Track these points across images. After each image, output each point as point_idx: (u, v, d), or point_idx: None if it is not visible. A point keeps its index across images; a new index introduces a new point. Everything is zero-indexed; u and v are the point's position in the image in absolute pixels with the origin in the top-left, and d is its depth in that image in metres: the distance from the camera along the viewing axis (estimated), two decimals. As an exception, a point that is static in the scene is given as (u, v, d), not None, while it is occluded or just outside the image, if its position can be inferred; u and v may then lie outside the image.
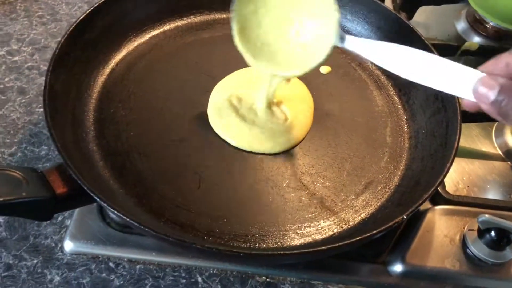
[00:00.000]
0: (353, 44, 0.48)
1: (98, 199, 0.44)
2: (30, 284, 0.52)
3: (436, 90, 0.60)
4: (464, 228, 0.56)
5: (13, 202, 0.41)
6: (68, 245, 0.54)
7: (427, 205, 0.59)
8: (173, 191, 0.53)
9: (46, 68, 0.71)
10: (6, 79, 0.71)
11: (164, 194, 0.52)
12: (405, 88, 0.66)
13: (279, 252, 0.44)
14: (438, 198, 0.60)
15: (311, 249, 0.44)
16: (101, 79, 0.62)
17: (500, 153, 0.68)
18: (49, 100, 0.51)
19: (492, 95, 0.37)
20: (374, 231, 0.45)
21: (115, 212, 0.43)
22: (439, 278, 0.54)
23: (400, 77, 0.66)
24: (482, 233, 0.54)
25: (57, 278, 0.52)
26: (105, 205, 0.43)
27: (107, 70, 0.63)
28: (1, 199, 0.40)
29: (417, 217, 0.58)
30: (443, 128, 0.57)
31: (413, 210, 0.47)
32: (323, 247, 0.44)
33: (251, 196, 0.54)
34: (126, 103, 0.60)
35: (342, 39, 0.49)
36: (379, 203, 0.55)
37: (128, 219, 0.43)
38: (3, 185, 0.42)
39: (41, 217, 0.46)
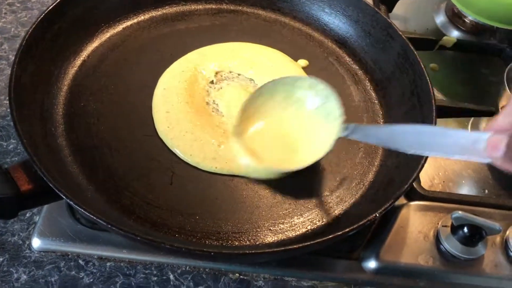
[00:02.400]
0: (357, 134, 0.50)
1: (65, 197, 0.42)
2: (-5, 283, 0.50)
3: (412, 86, 0.61)
4: (438, 224, 0.57)
5: (-26, 200, 0.40)
6: (36, 242, 0.53)
7: (402, 200, 0.59)
8: (145, 188, 0.52)
9: (15, 58, 0.70)
10: (-26, 69, 0.68)
11: (135, 191, 0.51)
12: (382, 83, 0.65)
13: (250, 251, 0.44)
14: (413, 194, 0.60)
15: (283, 248, 0.43)
16: (72, 71, 0.60)
17: (475, 148, 0.69)
18: (15, 93, 0.50)
19: (500, 153, 0.38)
20: (347, 229, 0.44)
21: (82, 210, 0.42)
22: (412, 274, 0.54)
23: (376, 72, 0.67)
24: (455, 229, 0.54)
25: (24, 277, 0.51)
26: (72, 203, 0.42)
27: (78, 61, 0.61)
28: (-40, 197, 0.39)
29: (392, 213, 0.57)
30: (419, 123, 0.57)
31: (386, 207, 0.47)
32: (295, 246, 0.43)
33: (224, 192, 0.53)
34: (98, 96, 0.58)
35: (345, 130, 0.50)
36: (353, 199, 0.54)
37: (95, 218, 0.41)
38: (-37, 183, 0.40)
39: (5, 215, 0.44)
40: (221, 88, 0.61)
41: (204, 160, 0.54)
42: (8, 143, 0.61)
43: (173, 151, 0.54)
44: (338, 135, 0.51)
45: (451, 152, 0.43)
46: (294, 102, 0.55)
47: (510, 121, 0.39)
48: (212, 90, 0.61)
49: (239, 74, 0.63)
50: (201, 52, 0.64)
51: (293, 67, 0.64)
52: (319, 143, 0.52)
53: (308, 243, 0.43)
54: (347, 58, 0.68)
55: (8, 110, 0.63)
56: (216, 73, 0.62)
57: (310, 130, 0.54)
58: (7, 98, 0.65)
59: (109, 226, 0.41)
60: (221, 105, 0.59)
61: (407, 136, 0.46)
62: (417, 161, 0.51)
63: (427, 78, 0.58)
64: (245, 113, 0.55)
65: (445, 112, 0.64)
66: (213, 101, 0.59)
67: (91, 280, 0.51)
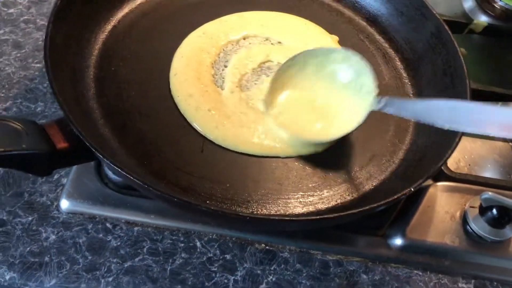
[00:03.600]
0: (391, 107, 0.49)
1: (100, 156, 0.42)
2: (25, 241, 0.50)
3: (445, 66, 0.60)
4: (465, 205, 0.56)
5: (13, 154, 0.40)
6: (65, 204, 0.53)
7: (428, 181, 0.59)
8: (175, 154, 0.51)
9: (42, 22, 0.70)
10: (1, 31, 0.68)
11: (166, 156, 0.51)
12: (413, 63, 0.65)
13: (284, 218, 0.43)
14: (439, 175, 0.59)
15: (315, 217, 0.43)
16: (102, 36, 0.60)
17: (502, 133, 0.68)
18: (50, 52, 0.49)
19: None
20: (382, 202, 0.44)
21: (118, 169, 0.42)
22: (438, 253, 0.54)
23: (407, 51, 0.66)
24: (483, 210, 0.54)
25: (53, 237, 0.51)
26: (107, 162, 0.42)
27: (109, 27, 0.61)
28: (2, 149, 0.39)
29: (419, 193, 0.57)
30: (451, 103, 0.56)
31: (420, 183, 0.46)
32: (329, 215, 0.43)
33: (254, 162, 0.52)
34: (128, 62, 0.58)
35: (379, 103, 0.50)
36: (383, 176, 0.54)
37: (131, 177, 0.41)
38: (3, 136, 0.40)
39: (40, 172, 0.44)
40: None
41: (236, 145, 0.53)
42: (36, 105, 0.61)
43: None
44: (371, 107, 0.50)
45: (489, 128, 0.42)
46: (327, 74, 0.55)
47: None
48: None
49: (266, 39, 0.62)
50: (229, 20, 0.63)
51: (325, 38, 0.64)
52: (351, 116, 0.52)
53: (341, 213, 0.43)
54: (378, 36, 0.68)
55: (36, 73, 0.64)
56: (244, 38, 0.62)
57: (342, 102, 0.54)
58: (35, 61, 0.66)
59: (146, 186, 0.41)
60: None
61: (443, 111, 0.45)
62: (450, 140, 0.51)
63: (461, 58, 0.57)
64: (275, 84, 0.54)
65: (475, 96, 0.63)
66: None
67: (119, 243, 0.51)
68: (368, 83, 0.52)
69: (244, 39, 0.62)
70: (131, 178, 0.41)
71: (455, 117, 0.44)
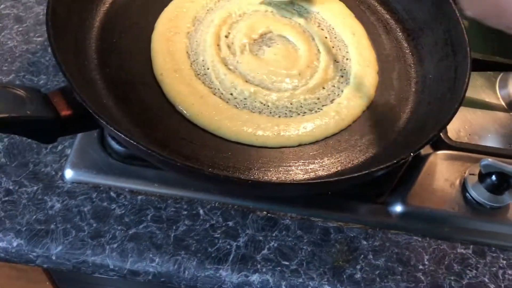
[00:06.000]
0: None
1: (103, 122, 0.43)
2: (30, 210, 0.51)
3: (446, 36, 0.60)
4: (464, 173, 0.57)
5: (18, 119, 0.40)
6: (69, 173, 0.54)
7: (428, 150, 0.60)
8: (178, 123, 0.52)
9: (43, -3, 0.70)
10: (2, 6, 0.68)
11: (169, 125, 0.52)
12: (414, 33, 0.65)
13: (284, 182, 0.44)
14: (440, 144, 0.60)
15: (316, 180, 0.44)
16: (103, 7, 0.60)
17: (503, 103, 0.69)
18: (52, 23, 0.49)
19: None
20: (380, 166, 0.45)
21: (121, 135, 0.42)
22: (437, 219, 0.55)
23: (408, 22, 0.66)
24: (483, 177, 0.55)
25: (58, 205, 0.52)
26: (112, 128, 0.42)
27: (110, -2, 0.61)
28: (6, 115, 0.39)
29: (419, 161, 0.58)
30: (452, 72, 0.56)
31: (419, 148, 0.47)
32: (329, 179, 0.44)
33: (256, 131, 0.53)
34: (129, 33, 0.58)
35: None
36: (384, 144, 0.54)
37: (134, 143, 0.42)
38: (8, 102, 0.41)
39: (44, 139, 0.45)
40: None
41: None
42: (39, 78, 0.62)
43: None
44: None
45: None
46: None
47: None
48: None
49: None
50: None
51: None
52: None
53: (341, 177, 0.44)
54: (379, 7, 0.67)
55: (38, 46, 0.65)
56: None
57: None
58: (36, 35, 0.66)
59: (149, 151, 0.42)
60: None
61: None
62: (449, 108, 0.51)
63: (462, 26, 0.57)
64: None
65: (476, 66, 0.63)
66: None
67: (123, 211, 0.52)
68: None
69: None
70: (135, 143, 0.42)
71: None
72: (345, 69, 0.59)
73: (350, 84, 0.58)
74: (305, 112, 0.55)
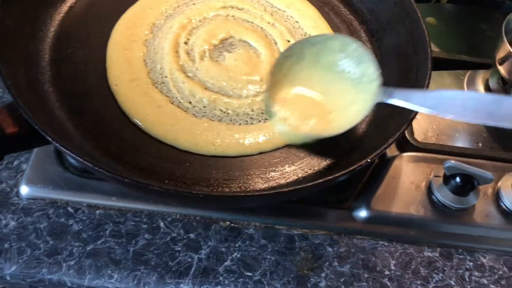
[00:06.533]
0: (397, 98, 0.47)
1: (50, 139, 0.41)
2: (-16, 229, 0.50)
3: (408, 36, 0.59)
4: (430, 175, 0.56)
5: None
6: (24, 190, 0.52)
7: (394, 152, 0.59)
8: (134, 134, 0.51)
9: None
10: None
11: (124, 137, 0.50)
12: (377, 34, 0.64)
13: (240, 194, 0.43)
14: (406, 145, 0.59)
15: (273, 191, 0.43)
16: (58, 17, 0.58)
17: (471, 102, 0.68)
18: (-1, 33, 0.48)
19: None
20: (338, 174, 0.44)
21: (69, 152, 0.41)
22: (403, 223, 0.54)
23: (372, 22, 0.65)
24: (447, 179, 0.54)
25: (13, 223, 0.51)
26: (58, 145, 0.41)
27: (65, 7, 0.59)
28: None
29: (384, 164, 0.57)
30: (414, 72, 0.55)
31: (378, 153, 0.46)
32: (285, 189, 0.43)
33: (215, 140, 0.52)
34: (86, 43, 0.57)
35: (384, 95, 0.48)
36: (345, 149, 0.54)
37: (82, 160, 0.41)
38: None
39: (-11, 157, 0.43)
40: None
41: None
42: (-6, 91, 0.60)
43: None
44: (375, 99, 0.48)
45: (506, 121, 0.41)
46: (325, 65, 0.53)
47: None
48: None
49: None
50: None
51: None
52: (355, 107, 0.50)
53: (299, 186, 0.43)
54: (343, 8, 0.67)
55: (-6, 58, 0.62)
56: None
57: (343, 94, 0.51)
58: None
59: (96, 168, 0.40)
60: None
61: (455, 102, 0.43)
62: (409, 111, 0.50)
63: (423, 26, 0.56)
64: (274, 77, 0.52)
65: (441, 65, 0.63)
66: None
67: (81, 227, 0.51)
68: (369, 72, 0.50)
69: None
70: (81, 159, 0.40)
71: (473, 109, 0.42)
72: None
73: None
74: (266, 119, 0.54)
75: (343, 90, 0.52)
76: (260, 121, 0.54)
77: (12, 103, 0.45)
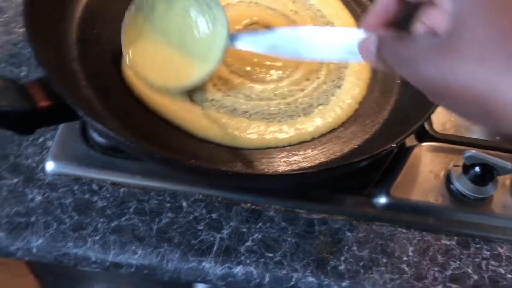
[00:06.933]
0: (243, 42, 0.47)
1: (82, 114, 0.42)
2: (11, 202, 0.51)
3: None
4: (449, 164, 0.57)
5: (-7, 110, 0.40)
6: (50, 166, 0.53)
7: (413, 141, 0.60)
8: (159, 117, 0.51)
9: (25, -13, 0.68)
10: (-17, -3, 0.67)
11: (150, 118, 0.51)
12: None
13: (268, 173, 0.44)
14: (424, 136, 0.60)
15: (299, 171, 0.43)
16: (85, -1, 0.59)
17: (489, 95, 0.68)
18: (29, 12, 0.48)
19: (372, 51, 0.35)
20: (363, 157, 0.45)
21: (100, 126, 0.42)
22: (421, 211, 0.55)
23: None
24: (467, 168, 0.54)
25: (39, 198, 0.51)
26: (89, 119, 0.42)
27: (91, -11, 0.60)
28: (-21, 106, 0.39)
29: (403, 153, 0.58)
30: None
31: (402, 139, 0.47)
32: (312, 170, 0.44)
33: (239, 123, 0.53)
34: (111, 24, 0.57)
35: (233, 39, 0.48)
36: (367, 135, 0.54)
37: (112, 135, 0.41)
38: (-18, 93, 0.40)
39: (22, 130, 0.44)
40: None
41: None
42: (20, 70, 0.61)
43: None
44: (225, 44, 0.48)
45: (331, 54, 0.41)
46: (178, 13, 0.52)
47: (379, 17, 0.36)
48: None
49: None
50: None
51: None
52: (214, 54, 0.50)
53: (324, 167, 0.44)
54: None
55: (19, 37, 0.64)
56: None
57: (199, 41, 0.51)
58: (18, 26, 0.65)
59: (128, 143, 0.41)
60: None
61: (288, 41, 0.43)
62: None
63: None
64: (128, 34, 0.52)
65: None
66: None
67: (105, 203, 0.52)
68: (219, 16, 0.50)
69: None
70: (112, 134, 0.41)
71: (300, 46, 0.42)
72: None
73: (343, 83, 0.57)
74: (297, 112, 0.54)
75: (200, 36, 0.52)
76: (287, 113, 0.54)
77: (43, 78, 0.45)
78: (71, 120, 0.47)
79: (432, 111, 0.49)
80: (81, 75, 0.53)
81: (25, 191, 0.52)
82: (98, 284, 0.76)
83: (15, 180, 0.52)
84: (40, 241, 0.49)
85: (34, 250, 0.49)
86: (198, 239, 0.51)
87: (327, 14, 0.64)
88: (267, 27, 0.60)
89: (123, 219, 0.51)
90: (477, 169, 0.54)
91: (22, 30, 0.64)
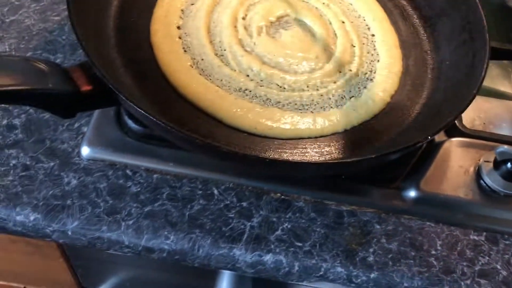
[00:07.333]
0: None
1: (124, 98, 0.43)
2: (47, 185, 0.52)
3: (464, 22, 0.60)
4: (479, 160, 0.57)
5: (40, 92, 0.41)
6: (85, 151, 0.54)
7: (443, 137, 0.60)
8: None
9: (59, -24, 0.70)
10: (20, -15, 0.68)
11: (186, 106, 0.52)
12: (431, 20, 0.64)
13: (304, 161, 0.44)
14: (454, 132, 0.60)
15: (334, 161, 0.44)
16: (122, -12, 0.60)
17: (519, 93, 0.68)
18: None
19: None
20: (396, 149, 0.45)
21: (142, 111, 0.42)
22: (451, 205, 0.55)
23: (425, 8, 0.66)
24: (498, 164, 0.54)
25: (74, 182, 0.52)
26: (131, 104, 0.43)
27: (127, -21, 0.61)
28: (29, 87, 0.40)
29: (433, 147, 0.58)
30: (469, 58, 0.56)
31: (436, 131, 0.47)
32: (345, 160, 0.44)
33: (272, 112, 0.53)
34: (148, 12, 0.58)
35: None
36: (400, 128, 0.55)
37: (154, 119, 0.42)
38: (30, 75, 0.41)
39: (64, 113, 0.45)
40: None
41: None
42: (55, 57, 0.62)
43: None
44: None
45: None
46: None
47: None
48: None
49: None
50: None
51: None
52: None
53: (357, 158, 0.44)
54: (396, -6, 0.67)
55: (55, 25, 0.65)
56: None
57: None
58: (53, 14, 0.66)
59: (169, 127, 0.42)
60: None
61: None
62: (465, 95, 0.51)
63: (481, 11, 0.57)
64: None
65: (492, 54, 0.63)
66: None
67: (139, 189, 0.53)
68: None
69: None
70: (154, 119, 0.42)
71: None
72: (370, 52, 0.59)
73: (375, 76, 0.58)
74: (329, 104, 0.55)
75: None
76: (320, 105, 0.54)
77: (84, 63, 0.46)
78: (110, 106, 0.48)
79: (469, 104, 0.49)
80: (119, 62, 0.53)
81: (61, 175, 0.53)
82: (122, 270, 0.77)
83: (52, 164, 0.53)
84: (75, 223, 0.50)
85: (69, 233, 0.50)
86: (229, 227, 0.51)
87: (358, 8, 0.64)
88: (298, 19, 0.61)
89: (156, 204, 0.52)
90: (509, 165, 0.53)
91: (57, 18, 0.66)
